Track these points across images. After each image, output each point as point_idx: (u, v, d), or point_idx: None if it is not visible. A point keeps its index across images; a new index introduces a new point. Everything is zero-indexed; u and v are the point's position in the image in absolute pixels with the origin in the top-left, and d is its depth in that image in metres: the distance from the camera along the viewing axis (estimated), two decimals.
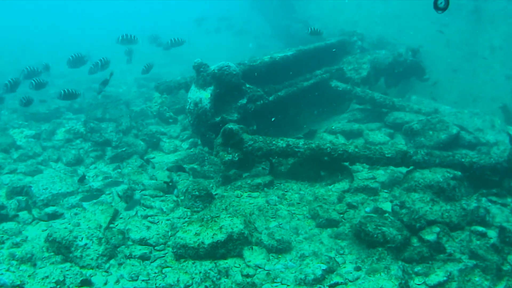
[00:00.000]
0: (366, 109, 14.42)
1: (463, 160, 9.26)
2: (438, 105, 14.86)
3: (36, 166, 11.09)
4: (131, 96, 19.34)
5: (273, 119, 11.93)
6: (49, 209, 8.58)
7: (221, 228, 7.16)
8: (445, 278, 6.49)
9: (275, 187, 9.58)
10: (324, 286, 6.36)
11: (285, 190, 9.46)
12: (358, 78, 15.48)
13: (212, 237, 7.01)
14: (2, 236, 7.67)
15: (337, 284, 6.40)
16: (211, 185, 9.96)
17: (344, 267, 6.82)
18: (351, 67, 15.85)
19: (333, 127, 12.95)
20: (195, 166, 10.96)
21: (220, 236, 7.02)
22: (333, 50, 15.98)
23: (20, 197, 8.95)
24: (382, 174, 10.30)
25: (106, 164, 11.62)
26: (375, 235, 7.02)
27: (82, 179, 9.91)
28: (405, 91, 17.11)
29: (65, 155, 11.74)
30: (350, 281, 6.44)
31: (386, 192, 9.40)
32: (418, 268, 6.71)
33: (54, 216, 8.55)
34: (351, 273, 6.63)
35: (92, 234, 7.15)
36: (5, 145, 12.28)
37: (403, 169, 9.77)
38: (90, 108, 15.03)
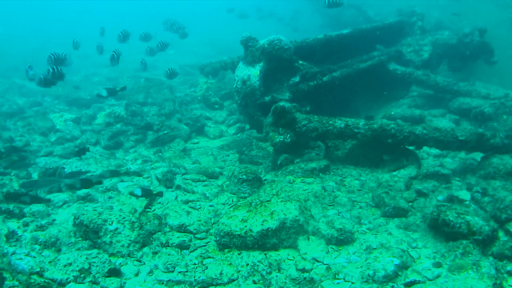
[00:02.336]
0: (427, 95, 13.30)
1: None
2: (508, 91, 13.44)
3: (72, 149, 10.37)
4: (176, 82, 18.56)
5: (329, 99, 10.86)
6: (82, 192, 7.75)
7: (272, 213, 6.13)
8: None
9: (332, 173, 8.57)
10: (397, 284, 5.25)
11: (343, 175, 8.43)
12: (419, 60, 14.24)
13: (262, 224, 5.98)
14: (28, 219, 6.90)
15: (414, 282, 5.29)
16: (259, 170, 8.99)
17: (421, 263, 5.71)
18: (411, 49, 14.62)
19: (392, 113, 11.89)
20: (243, 151, 10.00)
21: (271, 223, 5.99)
22: (390, 31, 14.78)
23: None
24: (450, 162, 9.22)
25: (146, 148, 10.80)
26: (458, 225, 5.87)
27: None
28: (467, 77, 15.67)
29: (104, 138, 10.98)
30: (430, 280, 5.32)
31: (459, 180, 8.29)
32: (511, 267, 5.48)
33: (87, 199, 7.71)
34: (429, 269, 5.51)
35: (124, 218, 6.21)
36: (44, 129, 11.69)
37: (475, 155, 8.77)
38: (132, 92, 14.29)
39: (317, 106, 10.47)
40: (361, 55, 12.80)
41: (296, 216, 6.14)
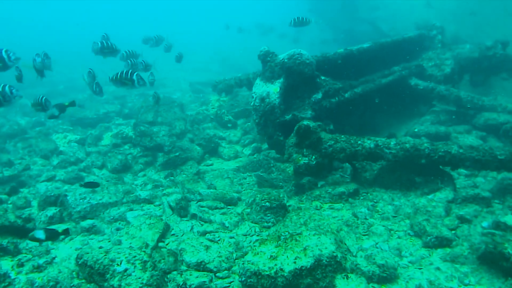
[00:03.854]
0: (450, 110, 12.58)
1: None
2: None
3: (77, 173, 9.61)
4: (186, 100, 17.88)
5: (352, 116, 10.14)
6: (86, 223, 6.97)
7: (305, 249, 5.34)
8: None
9: (362, 197, 7.81)
10: None
11: (374, 200, 7.66)
12: (441, 75, 13.53)
13: (295, 262, 5.18)
14: (24, 257, 6.08)
15: None
16: (281, 195, 8.21)
17: None
18: (432, 63, 13.90)
19: (415, 130, 11.35)
20: (261, 174, 9.23)
21: (305, 261, 5.18)
22: (410, 44, 14.11)
23: (54, 208, 7.38)
24: (483, 182, 8.58)
25: (157, 171, 10.03)
26: None
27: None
28: (487, 91, 14.93)
29: (111, 161, 10.24)
30: None
31: (498, 203, 7.54)
32: None
33: (91, 231, 6.92)
34: None
35: (135, 257, 5.38)
36: (46, 151, 10.92)
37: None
38: (141, 111, 13.54)
39: (338, 123, 9.76)
40: (381, 70, 12.12)
41: (333, 252, 5.34)
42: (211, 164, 10.53)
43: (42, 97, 7.88)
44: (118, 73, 8.39)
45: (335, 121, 9.66)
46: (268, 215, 6.98)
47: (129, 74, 8.32)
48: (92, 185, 8.07)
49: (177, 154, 10.09)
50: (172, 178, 9.39)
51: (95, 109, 14.44)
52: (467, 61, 14.16)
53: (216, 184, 8.97)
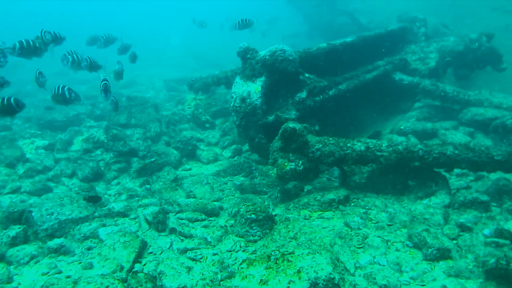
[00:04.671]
0: (435, 106, 12.25)
1: None
2: None
3: (44, 183, 8.82)
4: (160, 99, 17.12)
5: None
6: (54, 243, 6.26)
7: (299, 271, 4.78)
8: None
9: (353, 204, 7.32)
10: None
11: (366, 207, 7.17)
12: (426, 69, 13.19)
13: (288, 287, 4.62)
14: None
15: None
16: (266, 203, 7.65)
17: None
18: (416, 57, 13.55)
19: (402, 127, 10.92)
20: (243, 180, 8.65)
21: (300, 285, 4.62)
22: (394, 38, 13.69)
23: (17, 227, 6.64)
24: (474, 182, 8.36)
25: (131, 179, 9.33)
26: None
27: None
28: (469, 84, 14.58)
29: (81, 169, 9.50)
30: None
31: (496, 206, 7.22)
32: None
33: (60, 251, 6.23)
34: None
35: (108, 287, 4.75)
36: (12, 159, 10.10)
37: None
38: (113, 113, 12.78)
39: (320, 121, 9.24)
40: (365, 65, 11.67)
41: (330, 273, 4.79)
42: (190, 169, 9.89)
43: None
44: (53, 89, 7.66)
45: (317, 120, 9.16)
46: (254, 228, 6.39)
47: (60, 89, 7.59)
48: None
49: (153, 160, 9.42)
50: (148, 186, 8.71)
51: (65, 111, 13.58)
52: (451, 54, 13.76)
53: (195, 192, 8.35)
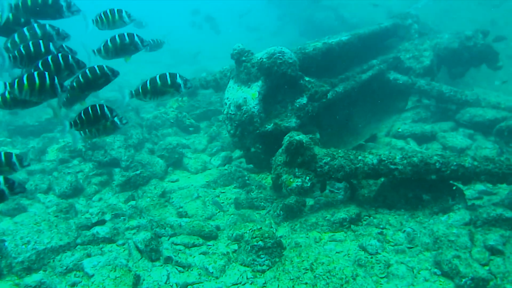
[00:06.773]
0: (430, 106, 11.82)
1: None
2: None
3: (17, 202, 7.87)
4: (139, 101, 16.12)
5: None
6: (32, 279, 5.40)
7: None
8: None
9: (365, 222, 6.64)
10: None
11: (380, 225, 6.49)
12: (420, 68, 12.68)
13: None
14: None
15: None
16: (267, 221, 6.93)
17: None
18: (410, 55, 13.00)
19: (399, 130, 10.52)
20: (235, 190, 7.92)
21: None
22: (387, 35, 13.14)
23: None
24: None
25: (114, 193, 8.46)
26: None
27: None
28: (458, 83, 14.12)
29: (58, 183, 8.56)
30: None
31: None
32: None
33: None
34: None
35: None
36: None
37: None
38: None
39: (316, 125, 8.59)
40: (359, 64, 11.05)
41: None
42: (177, 180, 9.07)
43: None
44: None
45: (315, 124, 8.54)
46: (262, 256, 5.64)
47: None
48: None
49: (138, 172, 8.54)
50: (134, 202, 7.86)
51: (37, 115, 12.54)
52: (446, 51, 13.29)
53: (186, 208, 7.55)
